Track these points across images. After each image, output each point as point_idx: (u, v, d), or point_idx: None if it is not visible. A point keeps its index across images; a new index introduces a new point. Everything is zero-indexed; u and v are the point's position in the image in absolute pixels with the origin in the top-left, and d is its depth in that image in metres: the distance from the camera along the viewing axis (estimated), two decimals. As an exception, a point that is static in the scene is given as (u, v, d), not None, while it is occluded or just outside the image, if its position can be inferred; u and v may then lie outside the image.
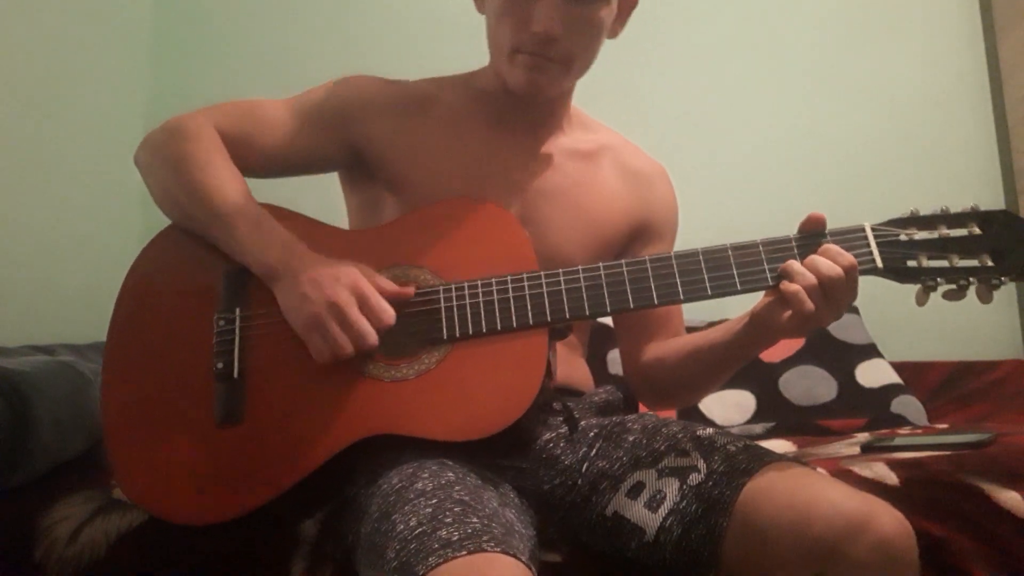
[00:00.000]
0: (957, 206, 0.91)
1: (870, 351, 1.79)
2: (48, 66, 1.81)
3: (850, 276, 0.87)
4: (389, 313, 0.90)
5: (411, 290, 0.94)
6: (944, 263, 0.89)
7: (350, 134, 1.07)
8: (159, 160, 1.02)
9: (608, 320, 1.25)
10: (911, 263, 0.90)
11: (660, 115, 2.08)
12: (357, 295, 0.89)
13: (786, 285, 0.87)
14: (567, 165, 1.11)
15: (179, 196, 0.99)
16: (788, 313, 0.88)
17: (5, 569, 0.96)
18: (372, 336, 0.88)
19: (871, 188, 2.05)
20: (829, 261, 0.87)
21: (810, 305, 0.85)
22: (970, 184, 2.06)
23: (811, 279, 0.86)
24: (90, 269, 1.83)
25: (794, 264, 0.88)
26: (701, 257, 0.92)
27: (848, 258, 0.87)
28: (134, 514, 0.98)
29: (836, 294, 0.86)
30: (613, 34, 1.09)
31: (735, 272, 0.91)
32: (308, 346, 0.90)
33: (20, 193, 1.71)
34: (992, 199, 2.04)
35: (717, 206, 2.04)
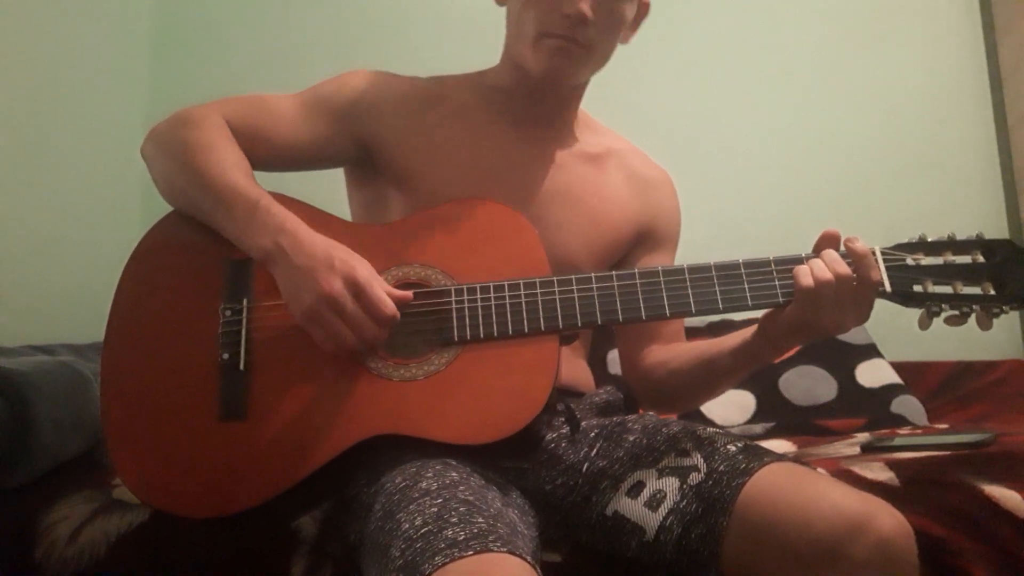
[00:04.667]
0: (962, 231, 0.93)
1: (870, 351, 1.79)
2: (48, 66, 1.81)
3: (858, 281, 0.87)
4: (388, 305, 0.88)
5: (410, 294, 0.93)
6: (948, 289, 0.91)
7: (358, 128, 1.07)
8: (164, 149, 1.01)
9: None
10: (917, 288, 0.91)
11: (660, 117, 2.08)
12: (351, 285, 0.88)
13: (798, 268, 0.89)
14: (575, 167, 1.11)
15: (181, 182, 0.98)
16: (794, 306, 0.89)
17: (5, 569, 0.96)
18: (371, 328, 0.87)
19: (871, 189, 2.05)
20: (839, 258, 0.89)
21: (809, 281, 0.87)
22: (970, 184, 2.06)
23: (822, 265, 0.88)
24: (90, 269, 1.82)
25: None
26: (714, 272, 0.93)
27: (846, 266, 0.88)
28: (134, 514, 0.98)
29: (844, 288, 0.87)
30: (625, 39, 1.10)
31: (747, 288, 0.92)
32: (311, 335, 0.89)
33: (20, 193, 1.71)
34: (992, 199, 2.04)
35: (719, 209, 2.04)
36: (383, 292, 0.89)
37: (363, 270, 0.89)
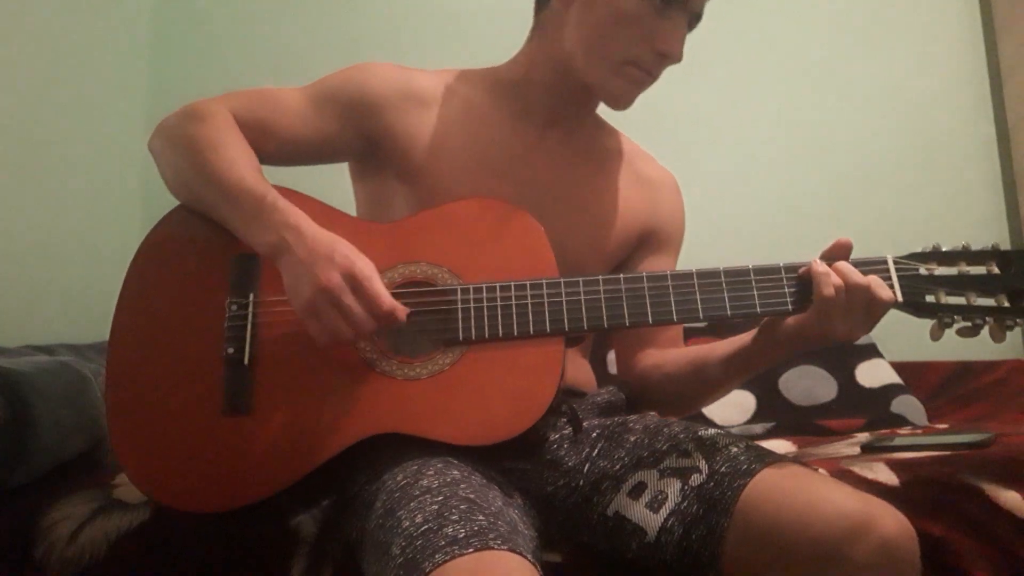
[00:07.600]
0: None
1: (870, 351, 1.79)
2: (48, 65, 1.81)
3: (870, 294, 0.87)
4: (386, 300, 0.87)
5: (405, 310, 0.91)
6: (961, 300, 0.90)
7: (365, 122, 1.06)
8: (171, 143, 1.01)
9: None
10: (929, 298, 0.90)
11: (662, 119, 2.07)
12: (350, 279, 0.86)
13: (817, 265, 0.89)
14: (582, 167, 1.11)
15: (189, 177, 0.98)
16: (811, 313, 0.88)
17: (5, 569, 0.96)
18: (367, 323, 0.86)
19: (871, 189, 2.05)
20: (855, 269, 0.88)
21: (830, 291, 0.86)
22: (970, 184, 2.06)
23: (836, 279, 0.87)
24: (90, 269, 1.82)
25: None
26: (723, 277, 0.92)
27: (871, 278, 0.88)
28: (134, 514, 0.98)
29: (856, 299, 0.86)
30: None
31: (756, 294, 0.91)
32: (308, 329, 0.88)
33: (20, 193, 1.71)
34: (992, 199, 2.04)
35: (720, 209, 2.04)
36: (381, 287, 0.88)
37: (363, 265, 0.88)
